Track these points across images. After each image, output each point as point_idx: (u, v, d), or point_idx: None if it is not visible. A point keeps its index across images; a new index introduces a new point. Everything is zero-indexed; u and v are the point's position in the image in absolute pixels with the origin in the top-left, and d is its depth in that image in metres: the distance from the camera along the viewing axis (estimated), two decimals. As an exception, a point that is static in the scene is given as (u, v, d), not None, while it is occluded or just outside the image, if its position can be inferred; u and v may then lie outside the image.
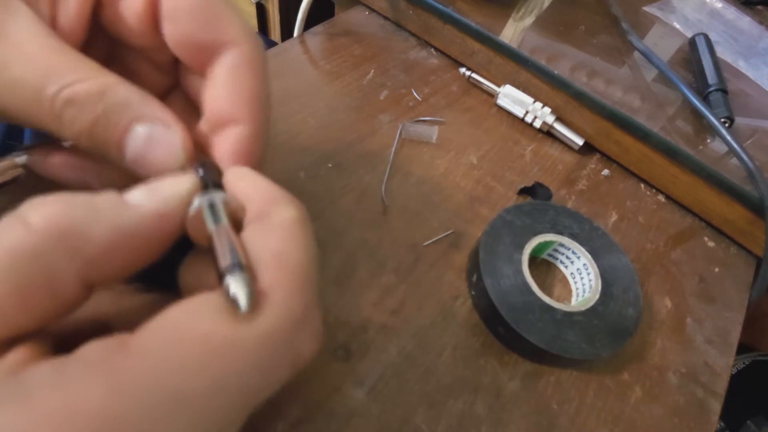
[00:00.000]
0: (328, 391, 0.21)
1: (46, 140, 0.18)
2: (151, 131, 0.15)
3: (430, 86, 0.37)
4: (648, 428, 0.23)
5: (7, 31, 0.14)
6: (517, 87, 0.36)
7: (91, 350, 0.11)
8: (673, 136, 0.32)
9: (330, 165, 0.30)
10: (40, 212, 0.11)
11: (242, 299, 0.12)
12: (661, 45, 0.43)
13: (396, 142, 0.32)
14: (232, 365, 0.11)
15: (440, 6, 0.37)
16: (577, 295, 0.26)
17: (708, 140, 0.33)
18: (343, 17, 0.42)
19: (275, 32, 0.76)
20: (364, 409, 0.21)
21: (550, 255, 0.28)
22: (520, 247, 0.25)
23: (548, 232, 0.26)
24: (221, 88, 0.16)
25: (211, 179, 0.15)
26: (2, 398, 0.10)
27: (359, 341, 0.23)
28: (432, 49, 0.41)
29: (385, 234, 0.27)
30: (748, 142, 0.35)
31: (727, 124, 0.34)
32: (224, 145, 0.16)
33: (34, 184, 0.17)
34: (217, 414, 0.11)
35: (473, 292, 0.25)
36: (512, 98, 0.36)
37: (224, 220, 0.13)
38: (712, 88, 0.36)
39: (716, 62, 0.38)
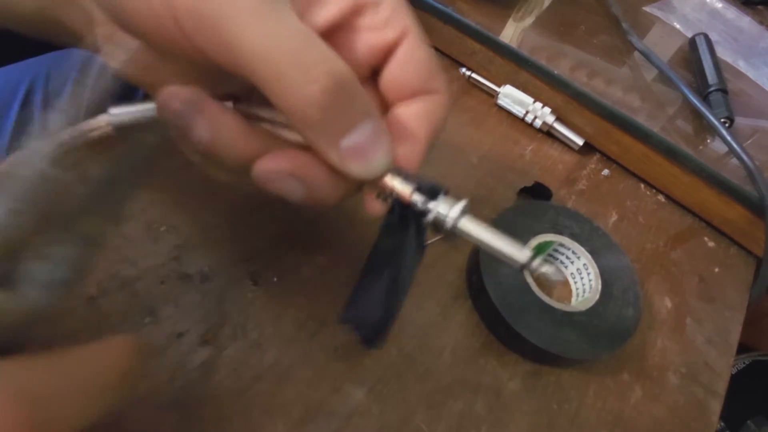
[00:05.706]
0: (328, 391, 0.21)
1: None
2: (377, 129, 0.14)
3: (430, 86, 0.37)
4: (648, 428, 0.23)
5: None
6: (517, 87, 0.36)
7: None
8: (673, 136, 0.32)
9: (330, 165, 0.30)
10: None
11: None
12: (661, 45, 0.43)
13: (396, 142, 0.32)
14: None
15: (440, 6, 0.37)
16: (577, 295, 0.26)
17: (708, 140, 0.34)
18: (343, 17, 0.42)
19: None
20: (364, 409, 0.21)
21: (550, 255, 0.28)
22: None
23: (548, 232, 0.26)
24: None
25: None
26: None
27: (359, 341, 0.23)
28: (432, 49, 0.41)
29: (385, 234, 0.27)
30: (748, 142, 0.35)
31: (727, 124, 0.34)
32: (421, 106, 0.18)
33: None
34: None
35: (473, 292, 0.25)
36: (512, 98, 0.36)
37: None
38: (712, 88, 0.36)
39: (716, 62, 0.38)
